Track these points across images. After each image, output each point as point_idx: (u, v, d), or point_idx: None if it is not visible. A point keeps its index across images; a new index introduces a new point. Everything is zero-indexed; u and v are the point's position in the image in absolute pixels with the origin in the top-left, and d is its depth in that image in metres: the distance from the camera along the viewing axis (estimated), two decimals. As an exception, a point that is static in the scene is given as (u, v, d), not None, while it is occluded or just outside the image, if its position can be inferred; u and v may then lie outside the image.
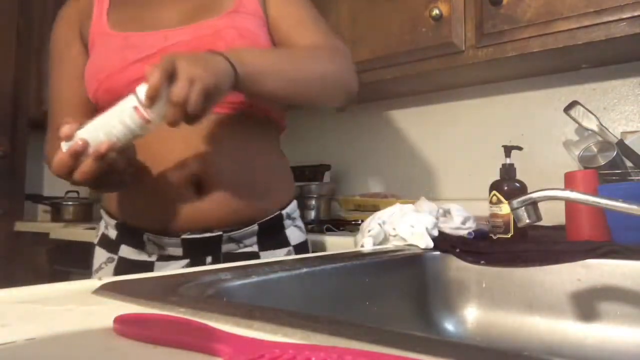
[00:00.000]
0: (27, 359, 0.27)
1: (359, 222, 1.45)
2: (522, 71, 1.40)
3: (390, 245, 0.82)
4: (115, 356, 0.28)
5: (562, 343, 0.67)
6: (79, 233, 1.77)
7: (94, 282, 0.47)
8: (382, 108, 1.76)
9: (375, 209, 1.46)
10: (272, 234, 0.83)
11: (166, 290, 0.43)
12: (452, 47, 1.26)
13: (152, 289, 0.43)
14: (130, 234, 0.80)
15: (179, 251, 0.78)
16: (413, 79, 1.45)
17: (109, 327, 0.32)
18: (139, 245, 0.80)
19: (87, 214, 2.42)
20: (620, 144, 1.14)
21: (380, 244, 0.82)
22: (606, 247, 0.69)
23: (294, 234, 0.86)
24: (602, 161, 1.08)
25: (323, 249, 1.16)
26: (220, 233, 0.77)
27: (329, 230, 1.38)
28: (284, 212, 0.85)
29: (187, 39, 0.77)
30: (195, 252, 0.77)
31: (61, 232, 1.82)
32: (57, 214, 2.32)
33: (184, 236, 0.76)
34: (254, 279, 0.51)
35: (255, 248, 0.81)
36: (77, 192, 2.45)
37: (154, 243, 0.78)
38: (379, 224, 0.83)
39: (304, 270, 0.57)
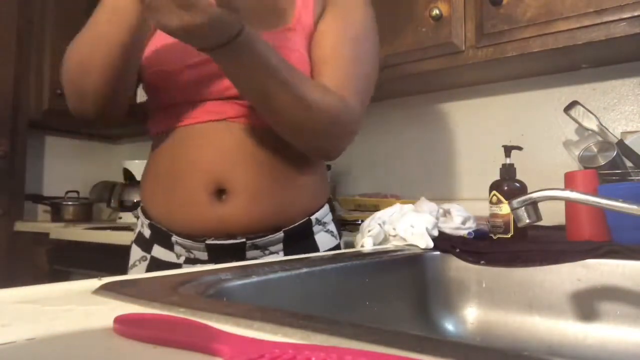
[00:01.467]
0: (27, 359, 0.27)
1: (359, 222, 1.45)
2: (522, 71, 1.40)
3: (390, 245, 0.82)
4: (115, 356, 0.28)
5: (562, 343, 0.67)
6: (79, 233, 1.77)
7: (94, 282, 0.47)
8: (382, 108, 1.76)
9: (375, 209, 1.46)
10: (299, 240, 0.79)
11: (166, 290, 0.43)
12: (452, 47, 1.26)
13: (152, 289, 0.43)
14: (161, 234, 0.79)
15: (204, 255, 0.77)
16: (413, 79, 1.45)
17: (109, 327, 0.32)
18: (169, 246, 0.79)
19: (87, 214, 2.42)
20: (620, 144, 1.14)
21: (380, 244, 0.82)
22: (606, 247, 0.69)
23: (324, 239, 0.83)
24: (602, 161, 1.08)
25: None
26: (244, 240, 0.76)
27: (329, 230, 1.38)
28: (313, 217, 0.81)
29: None
30: (220, 257, 0.75)
31: (61, 232, 1.82)
32: (57, 214, 2.32)
33: (208, 241, 0.75)
34: (254, 279, 0.51)
35: (281, 255, 0.78)
36: (77, 192, 2.45)
37: (182, 246, 0.78)
38: (379, 224, 0.83)
39: (304, 270, 0.57)
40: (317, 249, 0.81)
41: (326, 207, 0.86)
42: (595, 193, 0.73)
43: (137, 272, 0.81)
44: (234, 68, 0.65)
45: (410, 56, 1.34)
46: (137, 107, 2.27)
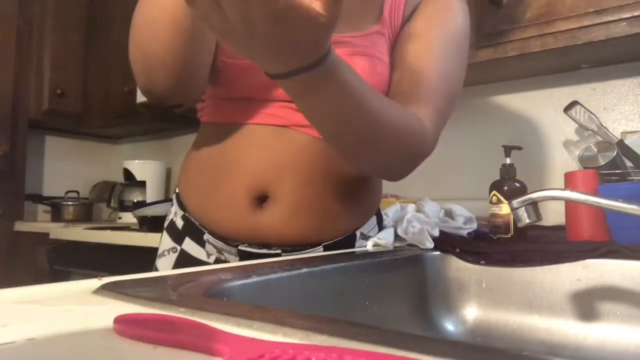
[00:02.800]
0: (27, 359, 0.27)
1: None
2: (522, 71, 1.40)
3: (390, 245, 0.82)
4: (115, 356, 0.28)
5: (562, 343, 0.67)
6: (79, 233, 1.77)
7: (94, 282, 0.47)
8: (382, 108, 1.76)
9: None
10: (341, 246, 0.75)
11: (166, 290, 0.43)
12: (452, 47, 1.26)
13: (152, 289, 0.43)
14: (194, 229, 0.76)
15: (235, 259, 0.73)
16: (413, 79, 1.45)
17: (109, 327, 0.32)
18: (200, 243, 0.75)
19: (87, 214, 2.42)
20: (620, 144, 1.14)
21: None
22: (606, 247, 0.69)
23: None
24: (602, 161, 1.08)
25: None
26: (279, 251, 0.72)
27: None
28: (358, 231, 0.76)
29: None
30: None
31: (61, 232, 1.82)
32: (57, 214, 2.32)
33: (241, 247, 0.72)
34: (254, 279, 0.51)
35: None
36: (77, 192, 2.45)
37: (213, 245, 0.74)
38: (392, 227, 0.83)
39: (304, 270, 0.57)
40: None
41: (373, 219, 0.81)
42: (595, 193, 0.73)
43: (165, 263, 0.77)
44: (310, 100, 0.53)
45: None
46: (138, 107, 2.28)
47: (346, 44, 0.68)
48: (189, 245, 0.76)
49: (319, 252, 0.72)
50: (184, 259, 0.76)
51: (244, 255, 0.72)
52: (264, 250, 0.71)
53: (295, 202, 0.69)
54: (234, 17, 0.40)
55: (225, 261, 0.73)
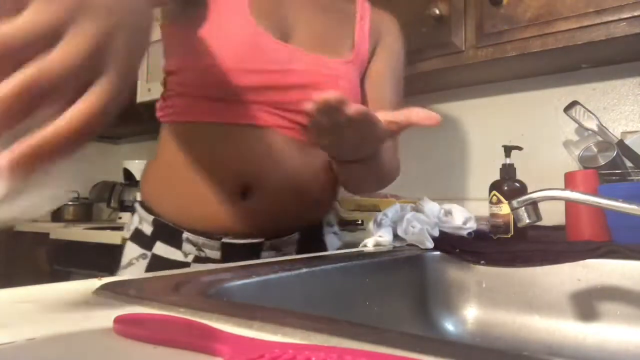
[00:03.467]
0: (27, 359, 0.27)
1: (359, 222, 1.45)
2: (522, 71, 1.40)
3: (390, 245, 0.82)
4: (115, 356, 0.28)
5: (562, 343, 0.67)
6: (79, 233, 1.77)
7: (94, 282, 0.47)
8: (382, 108, 1.76)
9: (375, 209, 1.46)
10: (311, 241, 0.82)
11: (166, 290, 0.43)
12: (452, 47, 1.27)
13: (152, 289, 0.43)
14: (168, 231, 0.77)
15: (217, 254, 0.75)
16: (413, 79, 1.45)
17: (109, 327, 0.32)
18: (176, 244, 0.77)
19: (87, 214, 2.42)
20: (620, 144, 1.14)
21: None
22: (606, 247, 0.69)
23: (332, 240, 0.86)
24: (602, 161, 1.08)
25: (323, 249, 1.16)
26: (262, 240, 0.76)
27: (329, 230, 1.38)
28: (324, 220, 0.86)
29: (307, 69, 0.73)
30: (234, 257, 0.72)
31: (61, 232, 1.82)
32: (57, 214, 2.32)
33: (225, 240, 0.74)
34: (254, 279, 0.51)
35: (293, 255, 0.78)
36: (77, 192, 2.45)
37: (193, 243, 0.76)
38: (391, 227, 0.84)
39: (304, 270, 0.57)
40: (326, 250, 0.84)
41: (333, 210, 0.91)
42: (595, 193, 0.73)
43: (135, 270, 0.78)
44: (358, 171, 0.73)
45: (410, 56, 1.34)
46: (138, 107, 2.28)
47: (331, 68, 0.75)
48: (162, 249, 0.77)
49: (295, 237, 0.79)
50: (158, 263, 0.77)
51: (226, 248, 0.74)
52: (249, 240, 0.75)
53: (276, 195, 0.73)
54: (332, 137, 0.60)
55: (205, 258, 0.75)
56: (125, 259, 0.81)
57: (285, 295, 0.54)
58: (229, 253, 0.74)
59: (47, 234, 1.83)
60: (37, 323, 0.34)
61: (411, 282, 0.74)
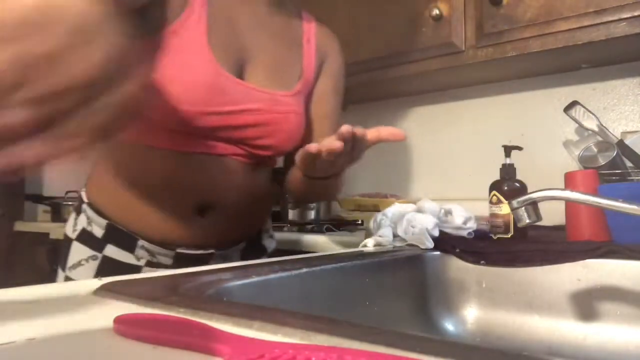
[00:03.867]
0: (27, 359, 0.27)
1: (359, 222, 1.45)
2: (522, 71, 1.40)
3: (390, 245, 0.82)
4: (115, 356, 0.28)
5: (562, 343, 0.67)
6: (79, 233, 1.77)
7: (94, 282, 0.47)
8: (382, 108, 1.76)
9: (375, 209, 1.46)
10: (252, 246, 0.90)
11: (166, 290, 0.43)
12: (452, 47, 1.27)
13: (152, 289, 0.43)
14: (121, 236, 0.80)
15: (169, 261, 0.80)
16: (413, 79, 1.45)
17: (109, 327, 0.32)
18: (129, 249, 0.80)
19: (87, 214, 2.41)
20: (620, 144, 1.15)
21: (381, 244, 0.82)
22: (606, 247, 0.69)
23: (269, 242, 0.95)
24: (602, 161, 1.08)
25: (323, 249, 1.16)
26: (213, 251, 0.82)
27: (329, 230, 1.38)
28: (264, 227, 0.94)
29: (260, 108, 0.76)
30: (185, 265, 0.75)
31: (61, 232, 1.81)
32: (57, 214, 2.32)
33: (179, 250, 0.79)
34: (254, 279, 0.51)
35: (238, 262, 0.81)
36: (77, 192, 2.45)
37: (147, 250, 0.79)
38: (390, 227, 0.84)
39: (304, 270, 0.57)
40: (266, 251, 0.93)
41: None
42: (595, 193, 0.73)
43: (85, 272, 0.79)
44: (322, 186, 0.81)
45: (410, 56, 1.34)
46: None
47: (282, 103, 0.79)
48: (113, 252, 0.79)
49: (241, 246, 0.87)
50: (109, 265, 0.79)
51: (179, 257, 0.80)
52: (200, 251, 0.80)
53: (228, 212, 0.80)
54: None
55: (157, 263, 0.80)
56: (72, 259, 0.82)
57: (285, 295, 0.54)
58: (181, 261, 0.79)
59: (47, 234, 1.83)
60: (37, 323, 0.34)
61: (411, 282, 0.74)
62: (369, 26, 1.42)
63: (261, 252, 0.92)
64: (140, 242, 0.79)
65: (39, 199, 2.39)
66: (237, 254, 0.87)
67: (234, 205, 0.80)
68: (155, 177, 0.77)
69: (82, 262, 0.80)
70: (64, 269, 0.82)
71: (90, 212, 0.83)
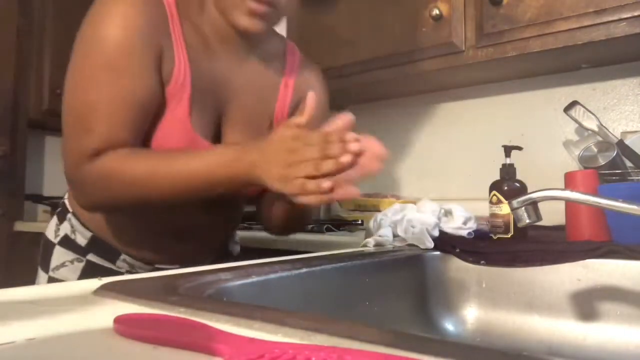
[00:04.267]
0: (27, 359, 0.27)
1: (359, 222, 1.45)
2: (522, 71, 1.40)
3: (390, 245, 0.82)
4: (115, 356, 0.28)
5: (562, 343, 0.67)
6: (79, 233, 1.77)
7: (94, 282, 0.47)
8: (382, 108, 1.76)
9: (375, 209, 1.46)
10: (221, 254, 0.95)
11: (166, 290, 0.43)
12: (452, 47, 1.26)
13: (152, 289, 0.43)
14: (103, 248, 0.83)
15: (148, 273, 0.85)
16: (413, 79, 1.45)
17: (109, 327, 0.32)
18: (110, 260, 0.83)
19: (87, 214, 2.41)
20: (620, 144, 1.14)
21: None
22: (606, 247, 0.69)
23: (234, 247, 1.01)
24: (602, 161, 1.08)
25: (323, 248, 1.16)
26: (189, 265, 0.84)
27: (328, 230, 1.38)
28: (231, 236, 1.00)
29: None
30: None
31: (61, 232, 1.81)
32: (57, 214, 2.32)
33: (157, 265, 0.84)
34: (254, 279, 0.51)
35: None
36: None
37: (128, 263, 0.84)
38: (390, 227, 0.84)
39: (304, 270, 0.57)
40: (232, 255, 0.99)
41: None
42: (595, 193, 0.73)
43: (69, 273, 0.82)
44: (304, 212, 0.83)
45: (410, 56, 1.34)
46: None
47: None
48: (96, 259, 0.83)
49: (212, 258, 0.90)
50: (93, 268, 0.82)
51: (157, 271, 0.84)
52: (177, 266, 0.82)
53: (205, 234, 0.86)
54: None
55: (135, 273, 0.83)
56: (56, 261, 0.84)
57: (285, 295, 0.54)
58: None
59: (47, 234, 1.83)
60: (37, 323, 0.34)
61: (411, 282, 0.74)
62: (369, 26, 1.42)
63: (228, 257, 0.96)
64: (123, 256, 0.83)
65: (39, 199, 2.39)
66: (208, 262, 0.88)
67: (210, 228, 0.86)
68: (136, 214, 0.80)
69: (66, 264, 0.83)
70: (46, 271, 0.84)
71: (74, 222, 0.85)
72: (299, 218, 0.85)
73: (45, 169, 2.48)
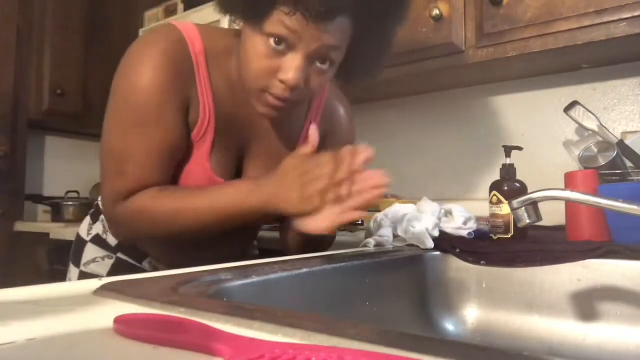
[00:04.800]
0: (27, 359, 0.27)
1: (359, 222, 1.45)
2: (522, 71, 1.40)
3: (390, 245, 0.82)
4: (115, 356, 0.28)
5: (562, 343, 0.67)
6: (79, 233, 1.77)
7: (94, 282, 0.47)
8: (382, 108, 1.76)
9: (375, 209, 1.46)
10: (240, 259, 0.97)
11: (166, 290, 0.43)
12: (452, 47, 1.26)
13: (152, 289, 0.43)
14: (131, 250, 0.89)
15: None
16: (413, 79, 1.45)
17: (109, 327, 0.32)
18: (137, 260, 0.90)
19: (87, 214, 2.41)
20: (620, 144, 1.14)
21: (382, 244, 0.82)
22: (606, 247, 0.68)
23: (253, 251, 1.06)
24: (602, 161, 1.08)
25: (323, 249, 1.16)
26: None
27: (329, 230, 1.38)
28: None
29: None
30: None
31: (61, 232, 1.82)
32: (57, 214, 2.32)
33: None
34: (254, 279, 0.51)
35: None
36: (77, 192, 2.45)
37: (152, 265, 0.90)
38: (390, 227, 0.84)
39: (304, 270, 0.57)
40: (251, 258, 1.01)
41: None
42: (595, 193, 0.73)
43: (99, 267, 0.89)
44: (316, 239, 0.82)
45: (410, 56, 1.34)
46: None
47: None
48: (125, 257, 0.90)
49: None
50: (122, 264, 0.89)
51: None
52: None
53: (226, 246, 0.90)
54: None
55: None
56: (87, 256, 0.90)
57: (285, 295, 0.54)
58: None
59: (47, 234, 1.83)
60: (37, 323, 0.34)
61: (411, 282, 0.74)
62: (369, 26, 1.42)
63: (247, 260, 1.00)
64: (148, 259, 0.90)
65: (39, 199, 2.39)
66: None
67: (234, 240, 0.91)
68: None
69: (97, 259, 0.90)
70: (77, 265, 0.91)
71: (107, 224, 0.90)
72: (317, 245, 0.86)
73: (45, 169, 2.48)
